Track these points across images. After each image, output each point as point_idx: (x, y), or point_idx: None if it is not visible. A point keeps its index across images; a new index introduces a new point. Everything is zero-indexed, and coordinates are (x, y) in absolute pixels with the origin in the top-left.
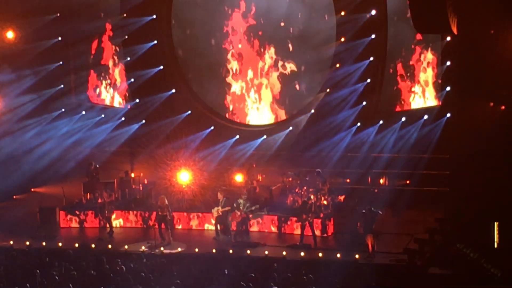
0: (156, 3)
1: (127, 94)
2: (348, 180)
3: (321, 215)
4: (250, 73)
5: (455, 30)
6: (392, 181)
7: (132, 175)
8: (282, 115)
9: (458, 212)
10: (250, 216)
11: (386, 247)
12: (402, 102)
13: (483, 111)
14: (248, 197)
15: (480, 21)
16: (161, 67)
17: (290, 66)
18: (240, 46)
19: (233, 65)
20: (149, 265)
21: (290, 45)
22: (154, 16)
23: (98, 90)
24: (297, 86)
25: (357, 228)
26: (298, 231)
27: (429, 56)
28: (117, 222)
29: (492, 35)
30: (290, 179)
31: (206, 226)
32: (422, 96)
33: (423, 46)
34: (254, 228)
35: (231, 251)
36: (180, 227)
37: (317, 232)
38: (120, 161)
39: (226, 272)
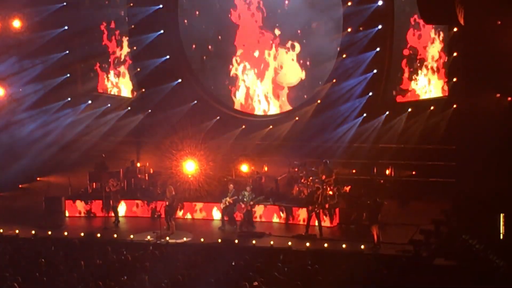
0: None
1: (133, 84)
2: (354, 171)
3: (327, 205)
4: (256, 63)
5: (462, 21)
6: (398, 172)
7: (138, 164)
8: (288, 105)
9: (464, 204)
10: (254, 208)
11: (391, 238)
12: (409, 93)
13: (490, 102)
14: (254, 188)
15: (487, 12)
16: (168, 56)
17: (297, 56)
18: (247, 35)
19: (240, 54)
20: (154, 254)
21: (297, 35)
22: (161, 6)
23: (104, 80)
24: (303, 76)
25: (363, 218)
26: (303, 222)
27: (436, 47)
28: (122, 211)
29: (499, 26)
30: (296, 169)
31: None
32: (429, 87)
33: (430, 37)
34: (260, 219)
35: (236, 241)
36: (186, 216)
37: (323, 223)
38: (126, 151)
39: (233, 264)
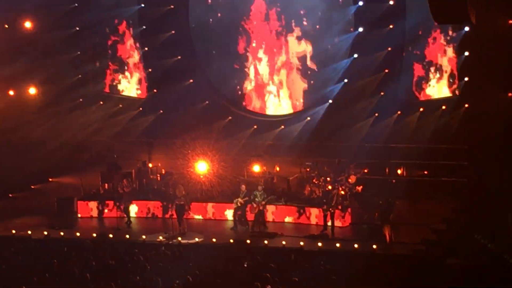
0: None
1: (145, 84)
2: (366, 171)
3: (340, 206)
4: (269, 64)
5: (473, 21)
6: (410, 171)
7: (150, 165)
8: (300, 106)
9: (475, 202)
10: (266, 208)
11: (403, 237)
12: (420, 93)
13: (501, 102)
14: (266, 188)
15: (499, 12)
16: (179, 57)
17: (309, 56)
18: (259, 36)
19: (252, 55)
20: (166, 255)
21: (309, 35)
22: (172, 6)
23: (115, 80)
24: (315, 76)
25: (375, 218)
26: (315, 222)
27: (447, 46)
28: (134, 212)
29: (511, 25)
30: (308, 169)
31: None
32: (440, 86)
33: (441, 36)
34: (272, 219)
35: (248, 241)
36: (198, 217)
37: (335, 223)
38: (138, 151)
39: (246, 265)
